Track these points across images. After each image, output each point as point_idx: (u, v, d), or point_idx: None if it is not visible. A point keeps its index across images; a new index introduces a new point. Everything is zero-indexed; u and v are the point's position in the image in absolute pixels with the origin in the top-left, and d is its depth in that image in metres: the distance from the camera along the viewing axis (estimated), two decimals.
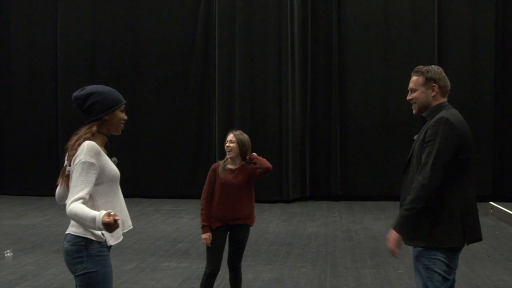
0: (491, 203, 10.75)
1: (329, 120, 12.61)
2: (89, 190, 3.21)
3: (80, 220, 3.13)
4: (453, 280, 3.71)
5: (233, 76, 12.58)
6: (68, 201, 3.18)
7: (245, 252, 7.53)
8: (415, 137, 3.79)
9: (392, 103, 12.25)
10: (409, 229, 3.50)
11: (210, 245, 4.96)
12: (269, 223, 9.90)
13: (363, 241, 8.44)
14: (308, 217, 10.52)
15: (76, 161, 3.23)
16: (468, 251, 7.66)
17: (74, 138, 3.40)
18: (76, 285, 3.37)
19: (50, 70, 13.46)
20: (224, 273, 5.34)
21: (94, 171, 3.24)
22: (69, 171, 3.33)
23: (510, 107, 12.21)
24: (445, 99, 3.76)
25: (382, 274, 6.63)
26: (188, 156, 12.86)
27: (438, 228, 3.49)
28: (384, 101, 12.40)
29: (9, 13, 13.65)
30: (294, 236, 8.79)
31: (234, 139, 5.03)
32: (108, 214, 3.04)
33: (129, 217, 3.59)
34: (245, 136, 5.11)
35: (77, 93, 3.42)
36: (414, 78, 3.76)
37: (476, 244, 7.97)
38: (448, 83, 3.77)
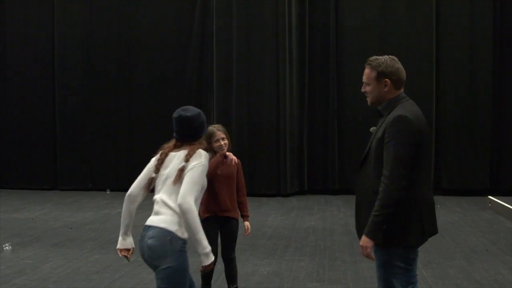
0: (489, 197, 10.75)
1: (326, 113, 12.58)
2: (199, 191, 3.63)
3: (192, 227, 3.51)
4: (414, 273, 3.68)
5: (230, 71, 12.54)
6: (186, 195, 3.50)
7: (243, 246, 7.57)
8: (372, 129, 3.73)
9: None
10: (382, 234, 3.43)
11: None
12: (267, 217, 9.90)
13: None
14: (306, 211, 10.52)
15: (196, 162, 3.61)
16: (466, 245, 7.68)
17: (186, 147, 3.72)
18: (157, 279, 3.61)
19: (47, 65, 13.39)
20: (222, 268, 5.36)
21: (205, 175, 3.69)
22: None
23: (508, 100, 12.18)
24: (400, 91, 3.63)
25: None
26: None
27: (397, 227, 3.43)
28: None
29: (5, 9, 13.56)
30: (292, 230, 8.79)
31: (224, 136, 5.13)
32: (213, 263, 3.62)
33: None
34: (223, 126, 5.26)
35: (186, 114, 3.74)
36: (367, 71, 3.64)
37: (474, 238, 8.05)
38: (402, 75, 3.62)
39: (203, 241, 3.53)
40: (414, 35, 12.23)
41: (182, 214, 3.49)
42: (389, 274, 3.54)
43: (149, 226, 3.64)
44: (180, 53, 12.93)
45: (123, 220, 3.84)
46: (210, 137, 5.09)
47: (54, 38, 13.33)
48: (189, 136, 3.75)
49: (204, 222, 5.04)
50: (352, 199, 12.55)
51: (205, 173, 3.64)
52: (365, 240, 3.46)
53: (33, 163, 13.39)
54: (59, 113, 13.29)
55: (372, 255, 3.49)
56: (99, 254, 7.30)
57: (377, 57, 3.65)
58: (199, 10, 12.79)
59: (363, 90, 3.69)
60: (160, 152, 3.79)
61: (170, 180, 3.62)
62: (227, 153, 5.10)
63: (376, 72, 3.59)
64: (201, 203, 5.02)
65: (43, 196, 12.34)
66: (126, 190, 3.85)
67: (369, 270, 6.52)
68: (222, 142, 5.08)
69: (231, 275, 5.34)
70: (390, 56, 3.66)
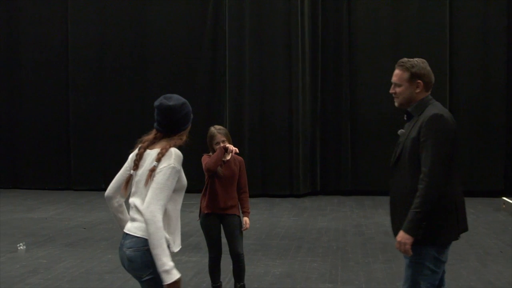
0: (504, 198, 10.68)
1: (339, 114, 12.56)
2: (169, 196, 3.24)
3: (151, 240, 3.12)
4: (443, 271, 3.73)
5: (243, 71, 12.56)
6: (150, 204, 3.16)
7: (255, 247, 7.59)
8: (400, 132, 3.77)
9: None
10: (422, 230, 3.47)
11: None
12: (279, 217, 9.90)
13: (374, 236, 8.42)
14: (318, 212, 10.51)
15: (165, 165, 3.23)
16: (480, 247, 7.63)
17: (163, 143, 3.36)
18: None
19: (61, 65, 13.50)
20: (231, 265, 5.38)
21: (177, 178, 3.28)
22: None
23: None
24: (428, 93, 3.72)
25: (393, 269, 6.61)
26: (198, 151, 12.83)
27: (432, 224, 3.49)
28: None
29: (20, 8, 13.69)
30: (304, 231, 8.79)
31: (224, 138, 5.24)
32: (180, 280, 3.16)
33: None
34: (225, 128, 5.38)
35: (168, 103, 3.39)
36: (398, 72, 3.69)
37: (488, 240, 7.99)
38: (432, 77, 3.72)
39: (162, 257, 3.11)
40: (427, 35, 12.16)
41: (145, 223, 3.16)
42: (417, 274, 3.58)
43: (127, 234, 3.31)
44: (192, 54, 12.97)
45: (117, 224, 3.59)
46: (211, 140, 5.29)
47: (67, 39, 13.43)
48: (170, 128, 3.39)
49: (205, 217, 5.27)
50: (364, 199, 12.59)
51: (175, 176, 3.24)
52: (404, 236, 3.48)
53: (47, 164, 13.49)
54: (73, 114, 13.39)
55: (410, 251, 3.50)
56: (112, 254, 7.33)
57: (408, 59, 3.71)
58: (211, 11, 12.82)
59: (392, 91, 3.75)
60: (139, 146, 3.45)
61: (143, 183, 3.29)
62: (227, 145, 5.17)
63: (409, 73, 3.65)
64: (203, 199, 5.25)
65: (57, 196, 12.42)
66: None
67: (382, 271, 6.51)
68: (222, 145, 5.17)
69: (238, 273, 5.39)
70: (420, 58, 3.73)
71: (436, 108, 3.60)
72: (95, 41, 13.33)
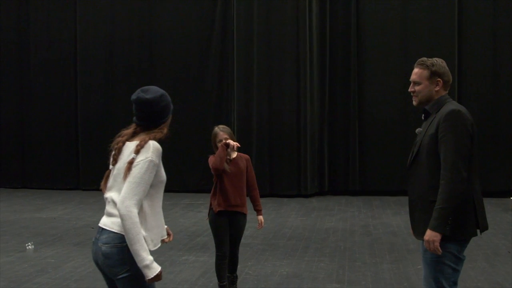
0: None
1: (347, 114, 12.54)
2: (146, 191, 3.16)
3: (128, 236, 3.06)
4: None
5: (251, 71, 12.56)
6: (125, 198, 3.09)
7: (263, 247, 7.61)
8: (417, 130, 3.82)
9: (411, 97, 12.11)
10: (449, 226, 3.47)
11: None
12: (287, 217, 9.90)
13: (382, 236, 8.40)
14: (326, 212, 10.50)
15: (142, 158, 3.16)
16: (488, 247, 7.60)
17: (142, 136, 3.27)
18: None
19: (70, 65, 13.56)
20: (242, 267, 5.38)
21: (154, 173, 3.20)
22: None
23: None
24: (446, 92, 3.77)
25: (401, 269, 6.60)
26: (206, 151, 12.84)
27: (454, 220, 3.49)
28: (403, 95, 12.24)
29: (29, 8, 13.76)
30: (312, 231, 8.79)
31: (227, 136, 5.31)
32: (161, 273, 3.12)
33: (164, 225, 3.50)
34: (228, 128, 5.48)
35: (145, 96, 3.27)
36: (418, 70, 3.74)
37: (496, 240, 7.95)
38: (451, 77, 3.77)
39: (141, 252, 3.05)
40: (435, 35, 12.12)
41: (120, 219, 3.10)
42: (438, 273, 3.58)
43: (103, 229, 3.25)
44: (201, 54, 12.98)
45: None
46: (215, 138, 5.37)
47: (76, 39, 13.48)
48: (149, 121, 3.29)
49: (215, 216, 5.35)
50: (372, 200, 12.53)
51: (153, 170, 3.16)
52: (431, 234, 3.47)
53: (56, 164, 13.55)
54: (81, 114, 13.44)
55: (440, 249, 3.49)
56: None
57: (428, 58, 3.77)
58: (220, 12, 12.83)
59: (411, 90, 3.80)
60: (117, 140, 3.34)
61: (121, 176, 3.20)
62: (228, 140, 5.23)
63: (429, 71, 3.70)
64: (214, 198, 5.33)
65: (65, 196, 12.48)
66: None
67: (389, 272, 6.50)
68: (223, 142, 5.24)
69: (232, 267, 5.53)
70: (439, 58, 3.79)
71: (453, 105, 3.65)
72: (104, 41, 13.37)
